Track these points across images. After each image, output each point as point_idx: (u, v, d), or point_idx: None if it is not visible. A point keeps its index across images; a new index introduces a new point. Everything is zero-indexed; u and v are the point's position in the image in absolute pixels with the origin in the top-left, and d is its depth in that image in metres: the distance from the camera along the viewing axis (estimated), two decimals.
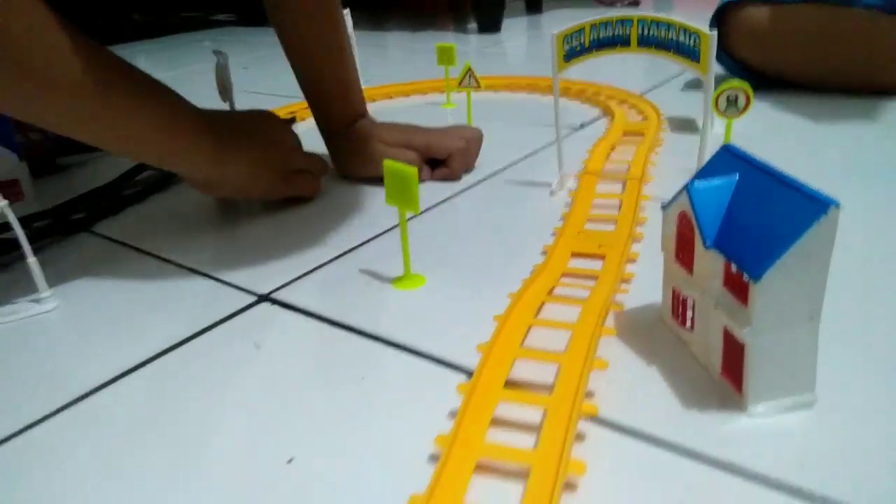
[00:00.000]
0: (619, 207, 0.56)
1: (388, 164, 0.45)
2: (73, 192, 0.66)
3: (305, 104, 0.73)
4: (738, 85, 0.60)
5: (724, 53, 0.95)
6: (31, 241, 0.54)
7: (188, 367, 0.40)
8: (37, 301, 0.47)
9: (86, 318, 0.47)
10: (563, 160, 0.63)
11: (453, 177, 0.67)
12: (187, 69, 1.45)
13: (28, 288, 0.49)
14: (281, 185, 0.62)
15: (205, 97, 0.58)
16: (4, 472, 0.33)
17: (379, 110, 0.98)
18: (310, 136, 0.72)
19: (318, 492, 0.30)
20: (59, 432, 0.35)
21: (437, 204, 0.62)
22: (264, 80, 1.26)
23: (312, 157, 0.65)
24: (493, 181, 0.67)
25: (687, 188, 0.35)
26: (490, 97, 1.01)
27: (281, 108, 0.96)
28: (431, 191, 0.65)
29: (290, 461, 0.32)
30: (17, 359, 0.42)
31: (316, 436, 0.34)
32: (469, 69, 0.79)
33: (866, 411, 0.33)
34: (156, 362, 0.41)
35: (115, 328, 0.45)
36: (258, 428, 0.35)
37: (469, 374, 0.37)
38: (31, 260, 0.46)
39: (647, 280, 0.45)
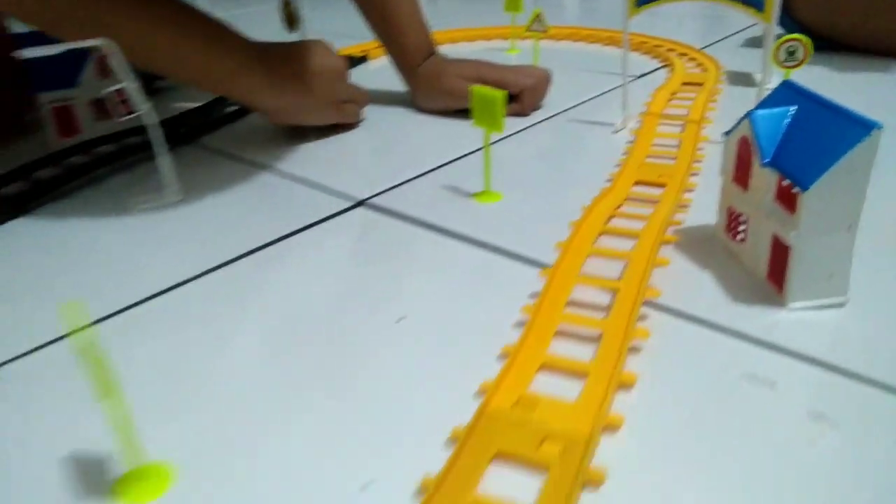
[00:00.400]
0: (679, 146, 0.61)
1: (477, 89, 0.51)
2: (170, 111, 0.74)
3: (376, 44, 0.79)
4: (798, 37, 0.65)
5: (785, 13, 0.97)
6: (144, 149, 0.63)
7: (299, 253, 0.48)
8: (164, 194, 0.55)
9: (205, 211, 0.54)
10: (625, 104, 0.68)
11: (523, 112, 0.73)
12: (252, 9, 1.52)
13: (150, 186, 0.56)
14: (332, 111, 0.68)
15: (270, 35, 0.65)
16: (133, 333, 0.40)
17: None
18: (381, 74, 0.78)
19: (425, 344, 0.37)
20: (184, 301, 0.43)
21: (507, 136, 0.68)
22: (333, 20, 1.32)
23: (357, 87, 0.71)
24: (558, 119, 0.73)
25: (749, 115, 0.41)
26: (552, 46, 1.06)
27: (353, 48, 1.02)
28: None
29: (400, 320, 0.39)
30: (151, 240, 0.50)
31: (421, 303, 0.41)
32: (539, 14, 0.84)
33: (893, 309, 0.39)
34: (270, 248, 0.48)
35: (230, 220, 0.53)
36: (369, 295, 0.42)
37: (548, 267, 0.43)
38: (164, 157, 0.54)
39: (702, 206, 0.51)
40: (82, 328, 0.24)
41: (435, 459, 0.29)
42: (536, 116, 0.73)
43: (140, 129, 0.66)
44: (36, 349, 0.38)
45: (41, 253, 0.49)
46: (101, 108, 0.69)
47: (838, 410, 0.31)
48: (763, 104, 0.42)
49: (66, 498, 0.28)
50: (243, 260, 0.46)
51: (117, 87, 0.50)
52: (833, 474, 0.28)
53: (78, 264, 0.47)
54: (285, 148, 0.67)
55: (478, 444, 0.29)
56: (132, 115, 0.51)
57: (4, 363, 0.37)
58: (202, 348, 0.38)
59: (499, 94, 0.49)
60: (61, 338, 0.39)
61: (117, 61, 0.49)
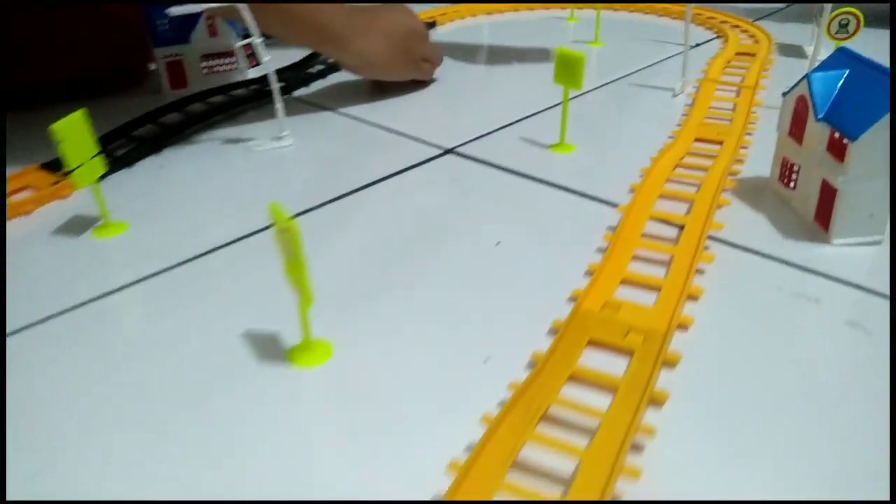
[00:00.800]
0: (734, 109, 0.67)
1: (560, 50, 0.57)
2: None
3: (444, 10, 0.84)
4: (851, 10, 0.69)
5: None
6: (247, 101, 0.70)
7: (401, 191, 0.55)
8: (279, 138, 0.62)
9: (313, 154, 0.62)
10: (684, 70, 0.74)
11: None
12: None
13: (260, 131, 0.64)
14: (412, 68, 0.75)
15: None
16: (229, 278, 0.48)
17: (506, 22, 1.10)
18: (449, 37, 0.84)
19: (522, 261, 0.44)
20: (312, 224, 0.50)
21: (572, 98, 0.74)
22: None
23: (434, 48, 0.78)
24: (620, 84, 0.78)
25: (806, 76, 0.47)
26: (610, 16, 1.11)
27: (423, 14, 1.08)
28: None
29: (497, 244, 0.46)
30: (275, 175, 0.58)
31: (513, 232, 0.48)
32: None
33: None
34: (377, 185, 0.55)
35: (336, 162, 0.60)
36: (467, 224, 0.49)
37: (623, 205, 0.50)
38: (279, 105, 0.61)
39: (756, 161, 0.56)
40: (287, 221, 0.32)
41: (540, 343, 0.36)
42: (597, 81, 0.79)
43: (243, 84, 0.74)
44: (215, 249, 0.46)
45: (179, 184, 0.57)
46: (207, 63, 0.77)
47: (872, 322, 0.38)
48: (819, 67, 0.47)
49: (251, 361, 0.36)
50: (354, 195, 0.54)
51: (246, 41, 0.57)
52: (864, 371, 0.35)
53: (214, 194, 0.55)
54: (370, 101, 0.74)
55: (575, 332, 0.37)
56: (257, 66, 0.58)
57: (191, 259, 0.45)
58: (337, 259, 0.45)
59: (581, 56, 0.55)
60: (231, 242, 0.47)
61: (248, 20, 0.56)
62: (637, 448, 0.30)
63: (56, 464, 0.30)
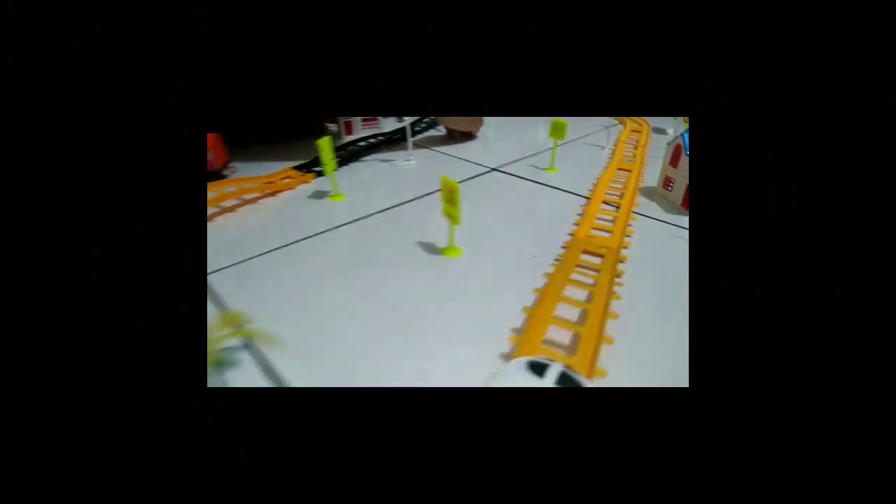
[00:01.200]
0: (635, 157, 0.76)
1: (555, 120, 0.66)
2: (405, 123, 0.89)
3: None
4: None
5: None
6: (386, 142, 0.78)
7: (472, 186, 0.63)
8: (407, 160, 0.71)
9: (426, 168, 0.70)
10: (607, 137, 0.83)
11: None
12: None
13: (395, 157, 0.72)
14: (472, 125, 0.83)
15: None
16: (405, 214, 0.57)
17: None
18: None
19: (539, 218, 0.53)
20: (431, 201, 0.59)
21: (551, 147, 0.83)
22: None
23: (480, 116, 0.86)
24: (575, 143, 0.87)
25: (681, 134, 0.56)
26: None
27: None
28: (546, 143, 0.85)
29: (528, 210, 0.55)
30: (406, 177, 0.66)
31: (536, 204, 0.56)
32: None
33: None
34: (461, 183, 0.64)
35: (438, 172, 0.68)
36: (509, 200, 0.58)
37: (589, 194, 0.59)
38: (410, 142, 0.69)
39: (649, 178, 0.65)
40: (452, 182, 0.41)
41: (558, 251, 0.45)
42: (566, 139, 0.88)
43: (382, 133, 0.82)
44: (390, 207, 0.54)
45: (365, 178, 0.65)
46: (364, 121, 0.85)
47: None
48: (688, 131, 0.57)
49: (420, 252, 0.45)
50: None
51: None
52: None
53: (383, 183, 0.64)
54: (447, 145, 0.82)
55: (575, 247, 0.46)
56: (401, 124, 0.66)
57: (380, 211, 0.53)
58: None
59: (565, 122, 0.64)
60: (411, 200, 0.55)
61: None
62: (614, 289, 0.39)
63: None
